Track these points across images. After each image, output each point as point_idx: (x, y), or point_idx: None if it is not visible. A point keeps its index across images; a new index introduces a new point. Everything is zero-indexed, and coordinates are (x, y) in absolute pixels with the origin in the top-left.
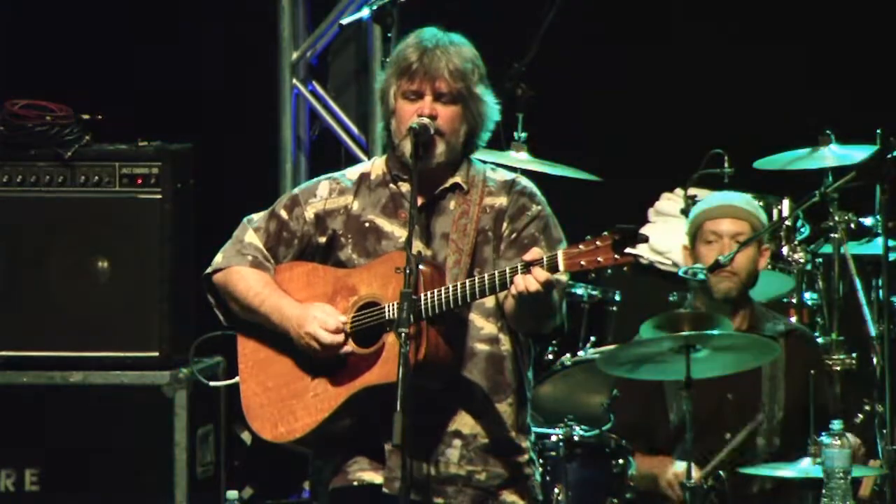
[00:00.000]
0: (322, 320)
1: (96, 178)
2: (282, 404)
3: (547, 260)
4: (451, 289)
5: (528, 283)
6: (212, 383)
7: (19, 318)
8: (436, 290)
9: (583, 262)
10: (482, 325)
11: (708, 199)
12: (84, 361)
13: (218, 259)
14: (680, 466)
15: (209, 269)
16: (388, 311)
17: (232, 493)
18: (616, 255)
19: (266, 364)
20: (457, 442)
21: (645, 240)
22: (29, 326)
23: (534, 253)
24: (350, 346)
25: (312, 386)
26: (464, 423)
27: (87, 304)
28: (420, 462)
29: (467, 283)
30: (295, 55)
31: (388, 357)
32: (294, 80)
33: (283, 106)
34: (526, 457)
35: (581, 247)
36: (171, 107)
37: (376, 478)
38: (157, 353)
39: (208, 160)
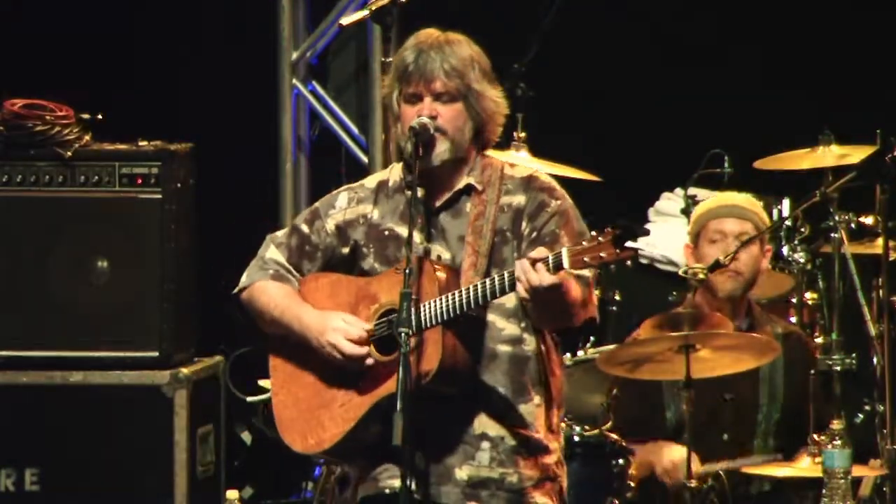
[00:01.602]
0: (344, 330)
1: (96, 178)
2: (310, 415)
3: (552, 258)
4: (458, 294)
5: (530, 278)
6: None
7: (19, 318)
8: (445, 296)
9: (586, 259)
10: (503, 326)
11: (711, 198)
12: (84, 361)
13: (243, 278)
14: (676, 453)
15: (235, 290)
16: None
17: (232, 493)
18: (617, 250)
19: (295, 376)
20: (485, 444)
21: (647, 233)
22: (29, 326)
23: (539, 252)
24: (374, 356)
25: (339, 396)
26: (489, 425)
27: (87, 304)
28: (451, 467)
29: (471, 288)
30: (295, 55)
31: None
32: (294, 80)
33: (283, 106)
34: (555, 457)
35: (584, 243)
36: (171, 107)
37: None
38: (157, 353)
39: (208, 160)
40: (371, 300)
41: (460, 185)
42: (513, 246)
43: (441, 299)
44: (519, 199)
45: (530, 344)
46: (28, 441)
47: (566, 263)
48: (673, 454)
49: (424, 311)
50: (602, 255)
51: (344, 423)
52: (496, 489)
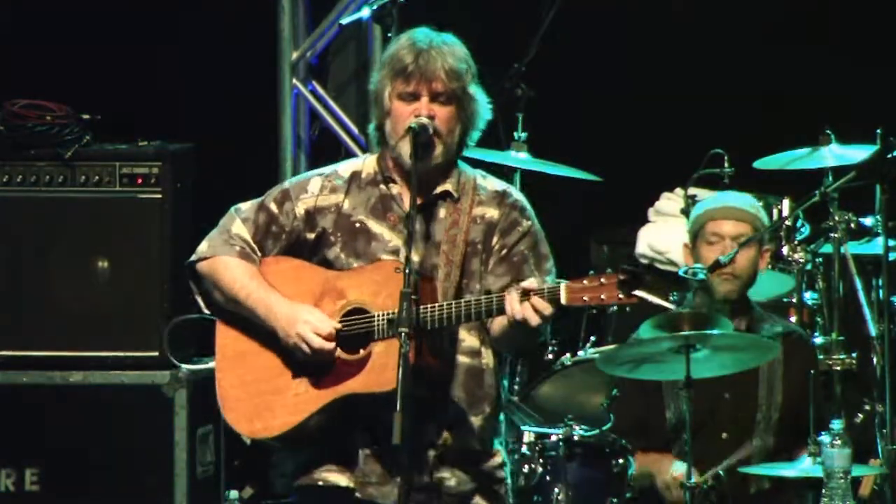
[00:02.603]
0: (314, 325)
1: (96, 178)
2: (259, 399)
3: (548, 291)
4: (446, 307)
5: (526, 313)
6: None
7: (19, 318)
8: (430, 306)
9: (585, 298)
10: (464, 337)
11: (710, 199)
12: (84, 361)
13: (203, 247)
14: (678, 468)
15: (193, 257)
16: (378, 320)
17: (232, 493)
18: (621, 295)
19: (246, 357)
20: (431, 451)
21: (653, 282)
22: (29, 326)
23: (532, 283)
24: (338, 353)
25: (294, 385)
26: (437, 433)
27: (87, 305)
28: (394, 469)
29: (462, 304)
30: (295, 55)
31: (373, 366)
32: (294, 80)
33: (283, 106)
34: (498, 460)
35: (585, 282)
36: (171, 107)
37: (342, 480)
38: (157, 353)
39: (208, 160)
40: (338, 295)
41: (438, 190)
42: (481, 259)
43: (423, 309)
44: (492, 213)
45: (486, 357)
46: (28, 441)
47: (564, 299)
48: (675, 469)
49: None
50: (602, 296)
51: (297, 413)
52: (435, 494)
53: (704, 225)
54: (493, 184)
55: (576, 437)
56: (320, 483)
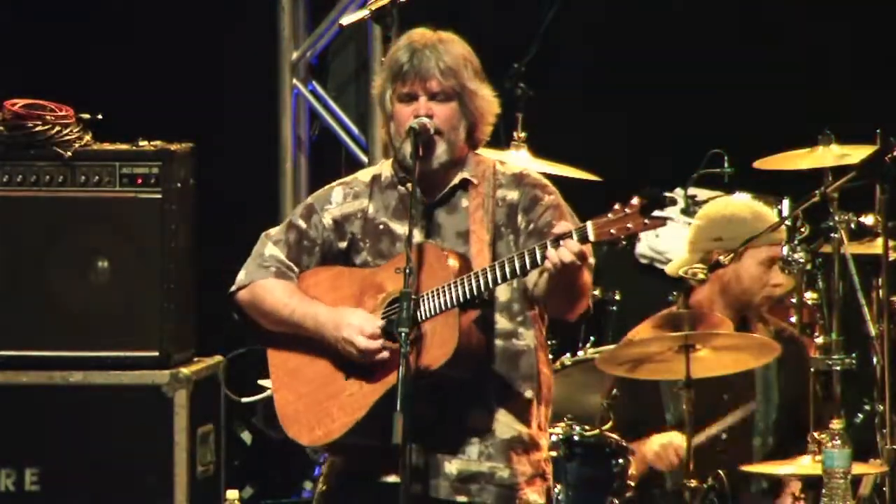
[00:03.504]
0: (359, 326)
1: (96, 178)
2: (318, 407)
3: (577, 231)
4: (481, 273)
5: (561, 255)
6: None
7: (19, 318)
8: (464, 277)
9: (613, 231)
10: (496, 319)
11: (755, 217)
12: (84, 361)
13: (241, 277)
14: (662, 438)
15: (233, 288)
16: (422, 301)
17: (232, 493)
18: (646, 220)
19: (297, 372)
20: (475, 438)
21: (674, 202)
22: (29, 326)
23: (563, 226)
24: (386, 354)
25: (347, 385)
26: (481, 419)
27: (87, 305)
28: (441, 460)
29: (497, 265)
30: (295, 55)
31: (426, 345)
32: (294, 80)
33: (283, 106)
34: (544, 454)
35: (609, 215)
36: (171, 107)
37: (398, 479)
38: (157, 353)
39: (208, 160)
40: (377, 289)
41: (455, 180)
42: (508, 241)
43: (460, 281)
44: (512, 195)
45: (522, 339)
46: (28, 441)
47: (592, 235)
48: (660, 439)
49: (444, 294)
50: (629, 225)
51: (354, 412)
52: (486, 483)
53: (775, 248)
54: (511, 168)
55: (576, 437)
56: (388, 481)
